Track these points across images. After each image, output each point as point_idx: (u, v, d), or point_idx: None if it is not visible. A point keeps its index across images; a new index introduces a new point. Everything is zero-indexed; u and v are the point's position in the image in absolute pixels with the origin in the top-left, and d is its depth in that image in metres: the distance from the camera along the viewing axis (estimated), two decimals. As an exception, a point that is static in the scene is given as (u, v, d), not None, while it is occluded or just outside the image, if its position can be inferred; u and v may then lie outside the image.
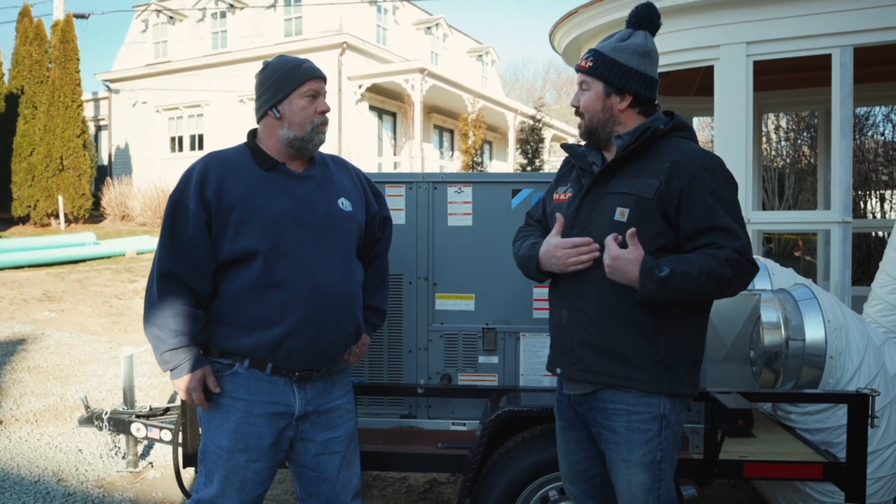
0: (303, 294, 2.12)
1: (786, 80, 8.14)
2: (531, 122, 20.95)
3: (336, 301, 2.19)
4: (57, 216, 16.90)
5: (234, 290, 2.14)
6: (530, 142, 20.40)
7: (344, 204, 2.28)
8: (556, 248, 2.07)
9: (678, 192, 1.96)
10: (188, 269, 2.11)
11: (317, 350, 2.17)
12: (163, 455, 4.46)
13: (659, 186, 1.98)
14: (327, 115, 2.27)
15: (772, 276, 3.98)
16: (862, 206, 13.03)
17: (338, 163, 2.42)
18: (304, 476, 2.32)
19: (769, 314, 3.32)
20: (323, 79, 2.26)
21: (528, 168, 19.68)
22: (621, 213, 2.00)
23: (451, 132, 23.65)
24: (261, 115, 2.26)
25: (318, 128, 2.23)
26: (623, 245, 1.95)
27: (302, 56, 2.38)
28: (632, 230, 1.92)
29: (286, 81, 2.20)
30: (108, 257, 12.76)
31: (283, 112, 2.20)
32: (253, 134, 2.30)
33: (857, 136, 12.62)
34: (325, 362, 2.23)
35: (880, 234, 11.27)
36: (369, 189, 2.44)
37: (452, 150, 23.63)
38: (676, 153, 2.02)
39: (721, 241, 1.93)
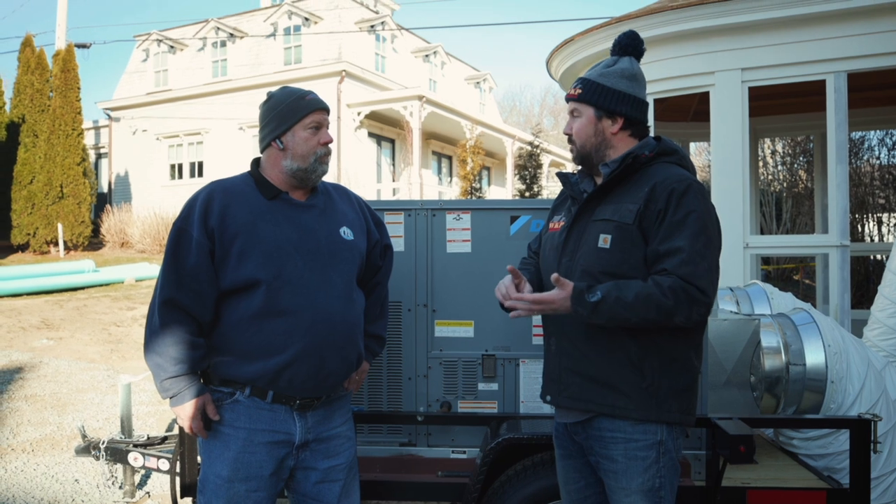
0: (305, 322, 2.12)
1: (781, 106, 8.22)
2: (529, 147, 21.05)
3: (339, 329, 2.19)
4: (56, 244, 16.91)
5: (236, 318, 2.14)
6: (528, 167, 20.48)
7: (346, 233, 2.29)
8: (497, 290, 2.13)
9: (655, 214, 1.97)
10: (190, 297, 2.11)
11: (319, 378, 2.17)
12: (160, 485, 4.42)
13: (638, 211, 1.99)
14: (330, 146, 2.29)
15: (771, 300, 3.99)
16: (859, 229, 13.08)
17: (340, 191, 2.43)
18: (303, 505, 2.29)
19: (769, 339, 3.32)
20: (326, 110, 2.28)
21: (527, 194, 19.75)
22: (604, 240, 2.02)
23: (450, 158, 23.78)
24: (264, 146, 2.27)
25: (322, 158, 2.25)
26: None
27: (301, 84, 2.41)
28: (555, 275, 1.96)
29: (290, 113, 2.22)
30: (107, 285, 12.74)
31: (287, 143, 2.22)
32: (256, 163, 2.32)
33: (852, 160, 12.69)
34: (326, 390, 2.22)
35: (878, 257, 11.30)
36: (370, 217, 2.46)
37: (451, 176, 23.74)
38: (656, 177, 2.03)
39: (671, 267, 1.91)
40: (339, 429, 2.30)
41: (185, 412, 2.11)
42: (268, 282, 2.11)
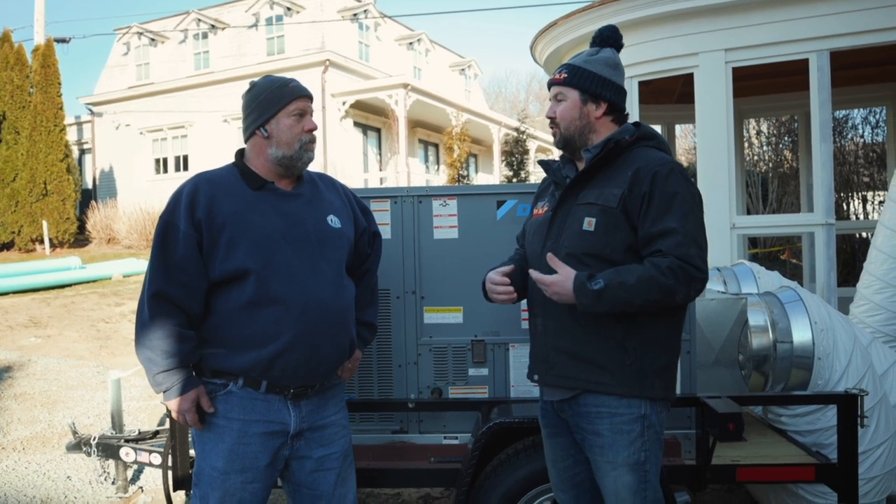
0: (297, 310, 2.12)
1: (765, 86, 8.24)
2: (515, 133, 21.06)
3: (330, 316, 2.19)
4: (42, 241, 16.77)
5: (226, 308, 2.14)
6: (515, 153, 20.49)
7: (333, 221, 2.29)
8: (488, 280, 2.27)
9: (640, 198, 2.02)
10: (179, 289, 2.10)
11: (312, 366, 2.17)
12: (153, 479, 4.41)
13: (622, 195, 2.04)
14: (314, 133, 2.28)
15: (758, 279, 4.01)
16: (845, 207, 13.16)
17: (325, 180, 2.43)
18: (299, 494, 2.30)
19: (756, 317, 3.34)
20: (309, 97, 2.28)
21: (514, 180, 19.76)
22: (589, 223, 2.07)
23: (437, 146, 23.72)
24: (248, 135, 2.26)
25: (306, 146, 2.25)
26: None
27: (285, 74, 2.40)
28: (549, 255, 2.04)
29: (273, 101, 2.21)
30: (95, 281, 12.65)
31: (271, 131, 2.21)
32: (240, 154, 2.31)
33: (836, 139, 12.76)
34: (320, 378, 2.23)
35: (864, 234, 11.39)
36: (357, 205, 2.46)
37: (438, 163, 23.68)
38: (639, 161, 2.08)
39: (666, 248, 1.97)
40: (333, 417, 2.31)
41: (178, 405, 2.11)
42: (257, 271, 2.11)
